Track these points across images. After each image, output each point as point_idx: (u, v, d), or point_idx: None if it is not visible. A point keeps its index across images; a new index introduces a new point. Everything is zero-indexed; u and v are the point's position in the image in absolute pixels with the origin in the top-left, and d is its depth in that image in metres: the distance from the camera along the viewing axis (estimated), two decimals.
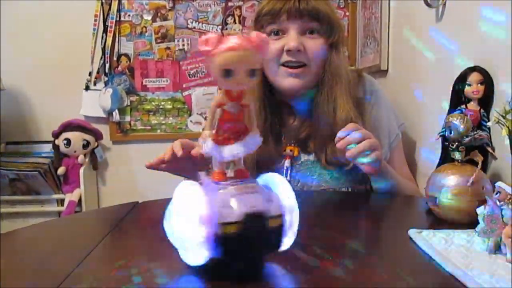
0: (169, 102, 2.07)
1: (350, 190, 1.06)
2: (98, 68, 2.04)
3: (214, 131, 0.53)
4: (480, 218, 0.60)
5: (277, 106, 1.09)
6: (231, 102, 0.52)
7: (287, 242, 0.54)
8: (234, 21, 2.06)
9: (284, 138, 1.08)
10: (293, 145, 1.08)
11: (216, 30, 2.05)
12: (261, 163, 1.00)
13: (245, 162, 0.56)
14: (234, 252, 0.50)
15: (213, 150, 0.52)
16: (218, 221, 0.48)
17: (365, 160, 0.91)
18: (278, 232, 0.52)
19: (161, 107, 2.07)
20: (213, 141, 0.53)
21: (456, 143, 0.78)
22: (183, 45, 2.05)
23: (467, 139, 0.79)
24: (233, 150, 0.52)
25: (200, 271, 0.54)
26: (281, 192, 0.54)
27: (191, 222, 0.49)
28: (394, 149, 1.12)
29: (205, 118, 2.05)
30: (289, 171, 1.06)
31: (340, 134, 0.90)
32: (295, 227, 0.54)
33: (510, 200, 0.62)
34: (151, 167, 0.94)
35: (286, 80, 1.02)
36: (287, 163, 1.06)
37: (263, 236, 0.51)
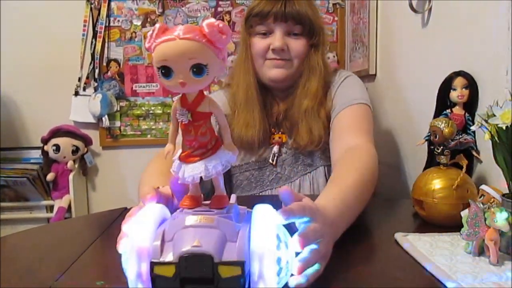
0: (159, 107, 2.07)
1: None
2: (88, 74, 2.03)
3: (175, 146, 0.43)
4: (464, 222, 0.61)
5: (264, 95, 1.16)
6: (182, 110, 0.41)
7: None
8: None
9: (269, 124, 1.15)
10: (281, 132, 1.16)
11: None
12: (247, 146, 1.10)
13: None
14: None
15: (177, 168, 0.43)
16: (152, 259, 0.40)
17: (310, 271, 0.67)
18: (235, 284, 0.39)
19: (151, 112, 2.07)
20: (178, 158, 0.43)
21: (442, 147, 0.79)
22: None
23: (452, 143, 0.80)
24: (194, 170, 0.41)
25: None
26: (257, 230, 0.41)
27: (128, 253, 0.41)
28: (350, 109, 1.06)
29: None
30: (276, 156, 1.14)
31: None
32: (269, 277, 0.40)
33: (493, 203, 0.63)
34: None
35: (271, 71, 1.11)
36: (275, 148, 1.14)
37: (207, 285, 0.39)
